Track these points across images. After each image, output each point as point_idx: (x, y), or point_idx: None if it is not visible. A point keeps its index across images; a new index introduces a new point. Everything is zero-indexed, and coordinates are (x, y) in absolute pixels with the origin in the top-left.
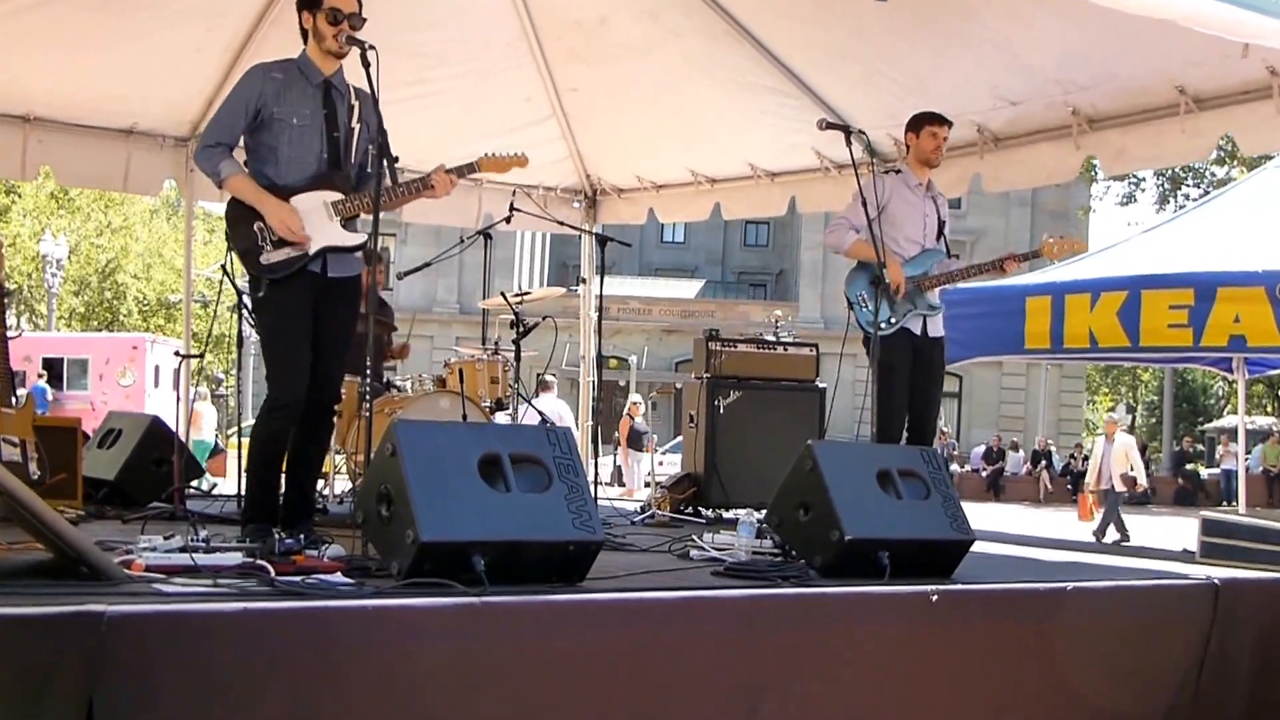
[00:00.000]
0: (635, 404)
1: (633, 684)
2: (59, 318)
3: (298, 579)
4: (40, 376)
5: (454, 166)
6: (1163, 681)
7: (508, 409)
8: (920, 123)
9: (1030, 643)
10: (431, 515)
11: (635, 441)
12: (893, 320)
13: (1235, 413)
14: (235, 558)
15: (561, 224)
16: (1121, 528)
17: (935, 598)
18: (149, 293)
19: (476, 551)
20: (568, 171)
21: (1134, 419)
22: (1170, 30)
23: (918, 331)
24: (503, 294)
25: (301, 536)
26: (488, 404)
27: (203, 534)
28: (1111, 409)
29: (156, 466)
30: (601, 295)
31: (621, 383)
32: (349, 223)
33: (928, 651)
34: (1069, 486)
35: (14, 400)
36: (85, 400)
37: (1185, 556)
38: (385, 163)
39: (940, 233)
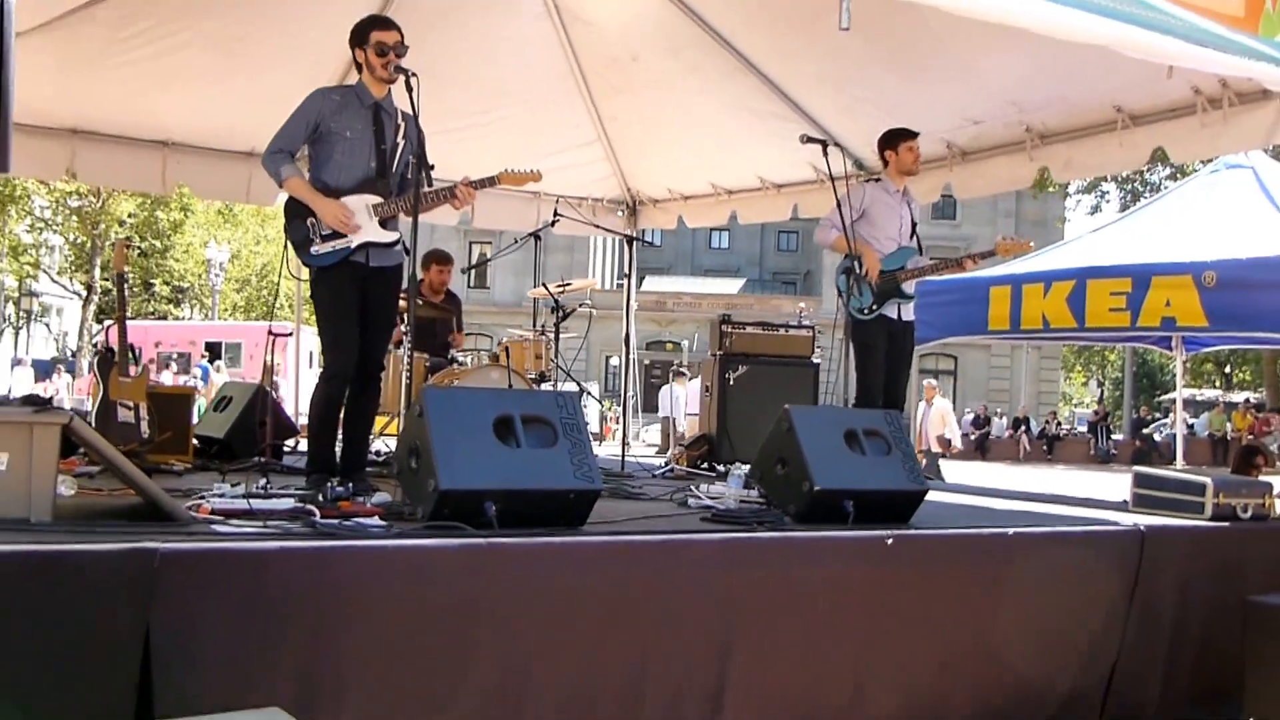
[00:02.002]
0: None
1: (623, 616)
2: (222, 310)
3: (335, 522)
4: (203, 357)
5: (475, 179)
6: (1095, 621)
7: (549, 380)
8: (895, 140)
9: (975, 581)
10: (450, 467)
11: None
12: (874, 307)
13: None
14: (288, 503)
15: (599, 227)
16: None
17: (890, 541)
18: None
19: (488, 498)
20: (612, 186)
21: (1102, 392)
22: (1109, 57)
23: (894, 316)
24: (544, 284)
25: (350, 485)
26: (532, 375)
27: (262, 482)
28: (936, 390)
29: (260, 427)
30: (629, 287)
31: (675, 363)
32: (387, 222)
33: (884, 588)
34: (1044, 448)
35: (131, 371)
36: (239, 377)
37: (1121, 506)
38: (423, 171)
39: (913, 232)
